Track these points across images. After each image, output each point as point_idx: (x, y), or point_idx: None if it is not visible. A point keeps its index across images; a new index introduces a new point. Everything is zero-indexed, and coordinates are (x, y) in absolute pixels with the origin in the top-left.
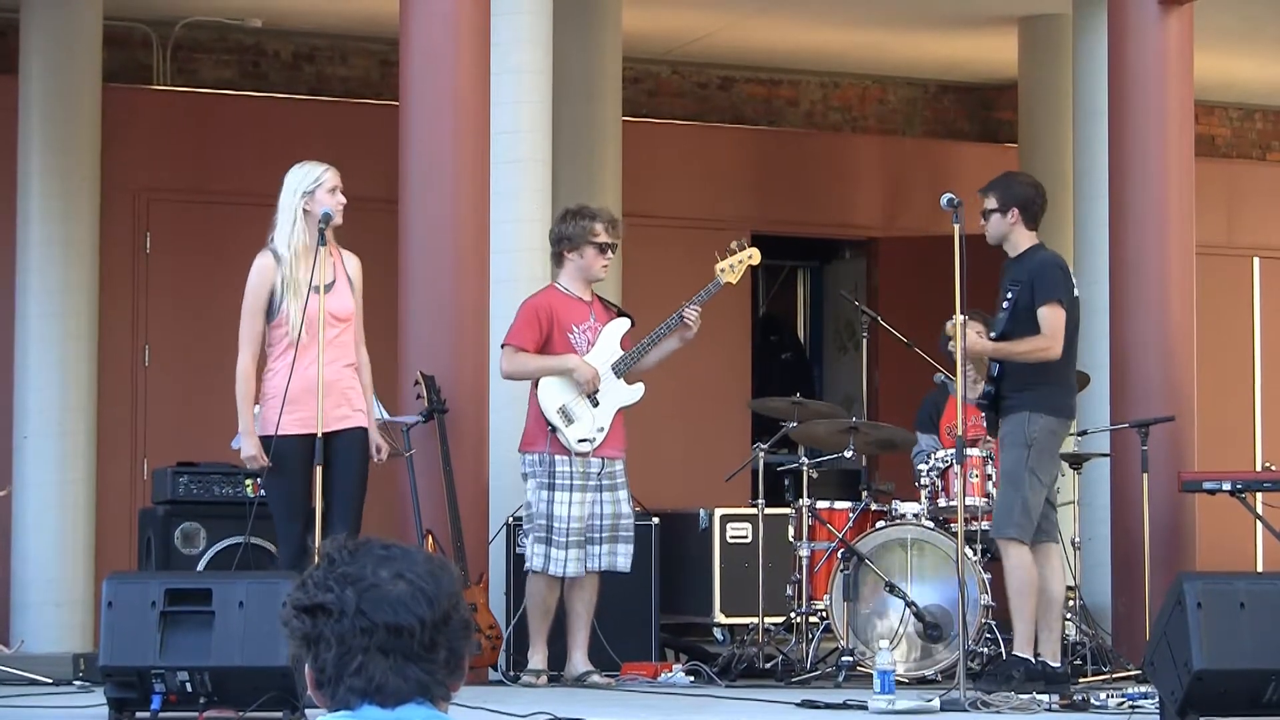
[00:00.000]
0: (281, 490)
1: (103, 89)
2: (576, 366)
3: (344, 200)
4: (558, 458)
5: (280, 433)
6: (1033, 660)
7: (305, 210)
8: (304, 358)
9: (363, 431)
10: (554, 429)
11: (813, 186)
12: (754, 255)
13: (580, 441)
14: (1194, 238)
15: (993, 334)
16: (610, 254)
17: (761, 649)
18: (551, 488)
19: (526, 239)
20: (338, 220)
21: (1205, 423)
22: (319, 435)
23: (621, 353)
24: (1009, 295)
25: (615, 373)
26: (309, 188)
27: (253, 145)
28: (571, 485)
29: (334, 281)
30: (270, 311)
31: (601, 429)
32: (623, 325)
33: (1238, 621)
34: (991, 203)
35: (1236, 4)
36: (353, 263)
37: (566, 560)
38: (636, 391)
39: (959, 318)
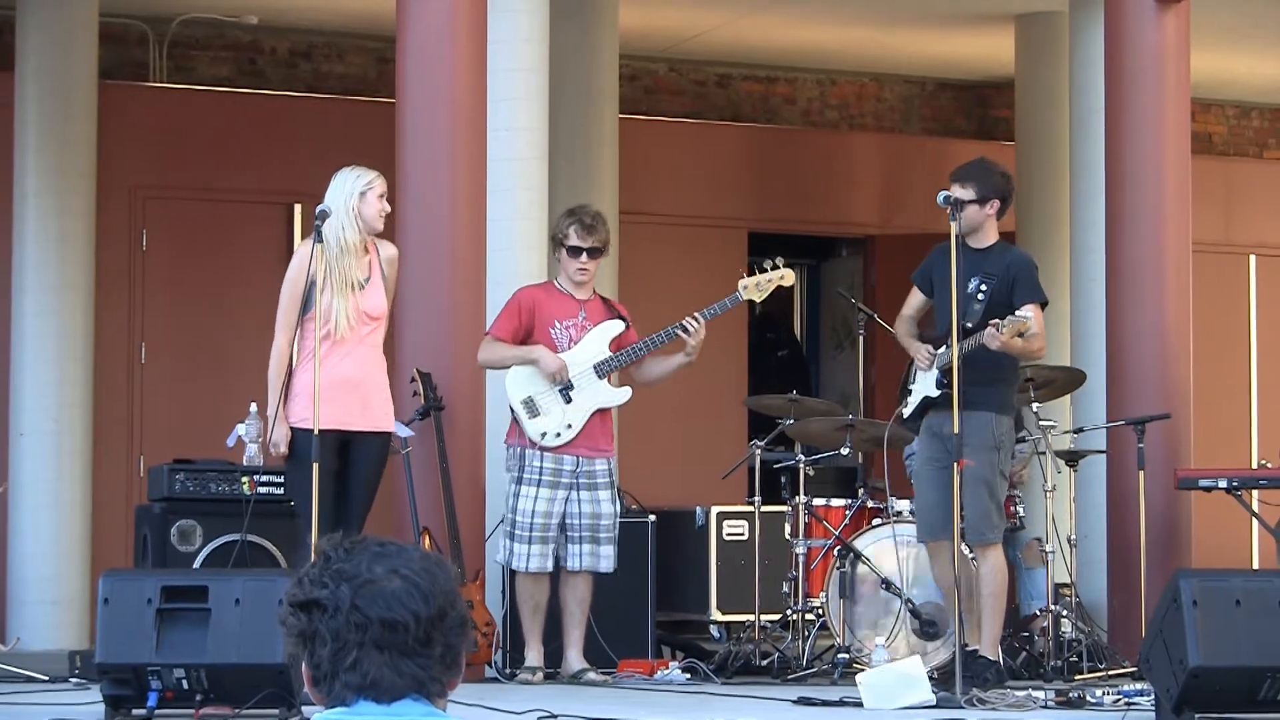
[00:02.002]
0: (301, 482)
1: (99, 86)
2: (541, 357)
3: (389, 208)
4: (528, 452)
5: (299, 426)
6: (1001, 661)
7: (354, 210)
8: (334, 354)
9: (386, 436)
10: (516, 418)
11: (809, 184)
12: (787, 277)
13: (542, 435)
14: (1190, 235)
15: (968, 324)
16: (585, 257)
17: (758, 646)
18: (520, 481)
19: (523, 236)
20: (378, 227)
21: (1201, 420)
22: (314, 433)
23: (609, 354)
24: (984, 288)
25: (597, 373)
26: (362, 189)
27: (249, 142)
28: (540, 480)
29: (368, 279)
30: (305, 304)
31: (570, 425)
32: (615, 327)
33: (1233, 619)
34: (970, 193)
35: (1233, 2)
36: (389, 251)
37: (529, 555)
38: (620, 395)
39: (1024, 314)
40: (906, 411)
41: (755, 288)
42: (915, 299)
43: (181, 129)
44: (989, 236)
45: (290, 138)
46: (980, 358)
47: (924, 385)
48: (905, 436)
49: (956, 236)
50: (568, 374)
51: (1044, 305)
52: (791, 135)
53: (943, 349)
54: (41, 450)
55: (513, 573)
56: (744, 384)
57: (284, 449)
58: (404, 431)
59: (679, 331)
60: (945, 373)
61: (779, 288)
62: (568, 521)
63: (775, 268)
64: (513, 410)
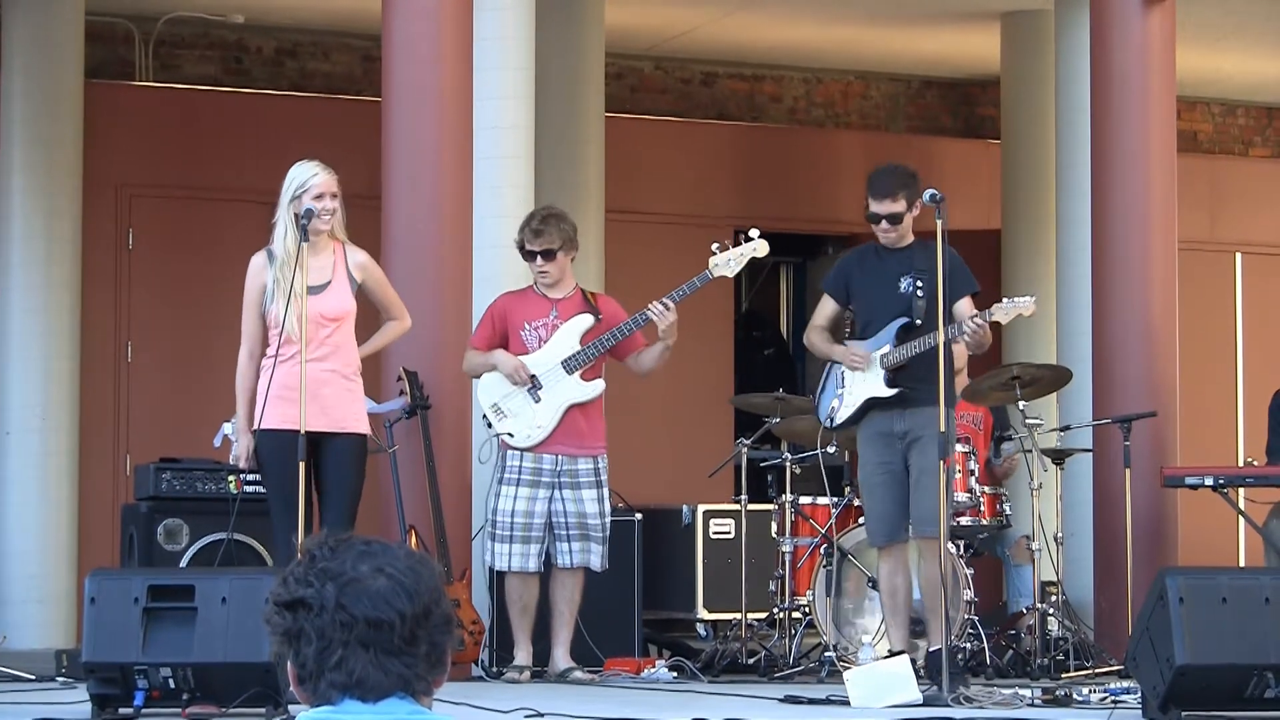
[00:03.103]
0: (267, 484)
1: (85, 85)
2: (499, 360)
3: (330, 206)
4: (507, 453)
5: (262, 428)
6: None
7: (292, 216)
8: (296, 358)
9: (358, 439)
10: (489, 424)
11: (795, 182)
12: (760, 247)
13: (510, 436)
14: (1176, 233)
15: (918, 321)
16: (540, 260)
17: (744, 645)
18: (500, 482)
19: (509, 235)
20: (321, 225)
21: (1187, 418)
22: (301, 433)
23: (578, 349)
24: (920, 284)
25: (566, 369)
26: (296, 192)
27: (235, 141)
28: (519, 480)
29: (329, 282)
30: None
31: (541, 426)
32: (584, 322)
33: (1220, 616)
34: (901, 205)
35: None
36: (358, 257)
37: (509, 555)
38: (590, 389)
39: (1025, 300)
40: (841, 416)
41: (726, 264)
42: (827, 307)
43: (167, 128)
44: (908, 237)
45: (276, 136)
46: (930, 354)
47: (866, 387)
48: (842, 440)
49: (944, 233)
50: (526, 373)
51: (976, 295)
52: (777, 133)
53: (886, 348)
54: (28, 449)
55: (501, 573)
56: (730, 382)
57: (244, 462)
58: (386, 406)
59: (649, 316)
60: (893, 371)
61: (753, 259)
62: (554, 520)
63: (748, 239)
64: (485, 418)
